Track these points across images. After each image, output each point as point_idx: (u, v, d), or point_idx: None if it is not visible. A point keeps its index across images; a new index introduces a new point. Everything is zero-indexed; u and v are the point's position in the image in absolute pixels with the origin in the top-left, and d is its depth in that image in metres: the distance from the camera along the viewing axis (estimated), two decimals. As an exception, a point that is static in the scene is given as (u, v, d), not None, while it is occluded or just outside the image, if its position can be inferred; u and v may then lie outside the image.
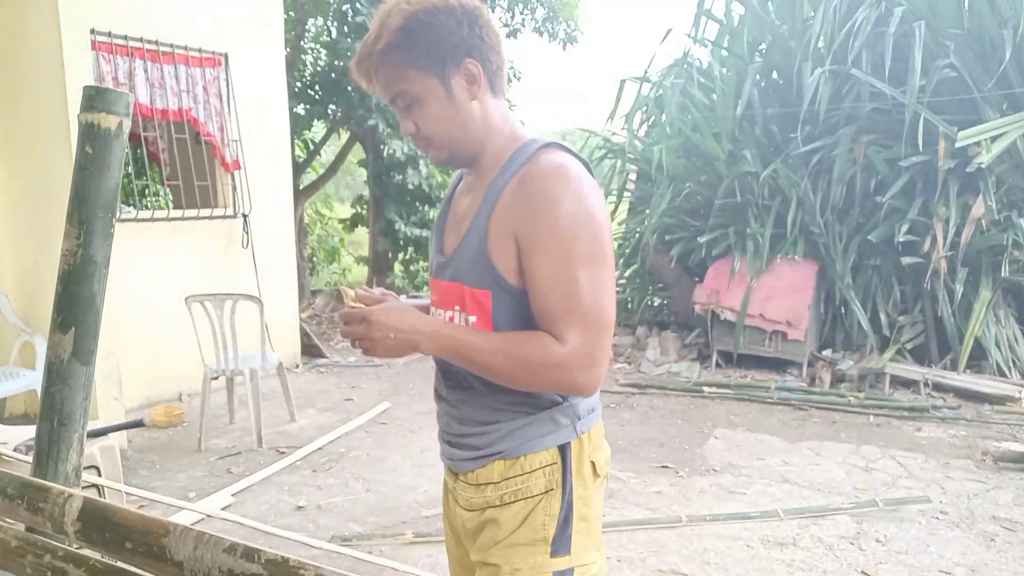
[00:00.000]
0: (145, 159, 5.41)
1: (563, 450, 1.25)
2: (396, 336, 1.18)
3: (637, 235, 7.23)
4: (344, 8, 7.95)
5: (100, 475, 2.77)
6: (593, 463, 1.28)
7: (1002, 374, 5.24)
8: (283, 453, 4.13)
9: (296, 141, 8.68)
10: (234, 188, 5.56)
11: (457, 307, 1.26)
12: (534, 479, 1.24)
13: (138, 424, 3.57)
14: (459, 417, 1.33)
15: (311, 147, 9.49)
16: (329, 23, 8.58)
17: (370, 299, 1.26)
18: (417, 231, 7.91)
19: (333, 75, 8.33)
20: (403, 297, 1.39)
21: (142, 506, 3.12)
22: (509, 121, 1.29)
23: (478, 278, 1.22)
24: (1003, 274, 5.27)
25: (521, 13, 8.99)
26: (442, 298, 1.30)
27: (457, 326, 1.23)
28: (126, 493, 2.65)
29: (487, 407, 1.27)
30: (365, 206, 9.04)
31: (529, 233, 1.17)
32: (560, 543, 1.24)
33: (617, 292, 7.41)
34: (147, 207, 5.09)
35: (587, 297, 1.16)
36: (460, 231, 1.28)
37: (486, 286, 1.21)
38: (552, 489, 1.24)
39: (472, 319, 1.24)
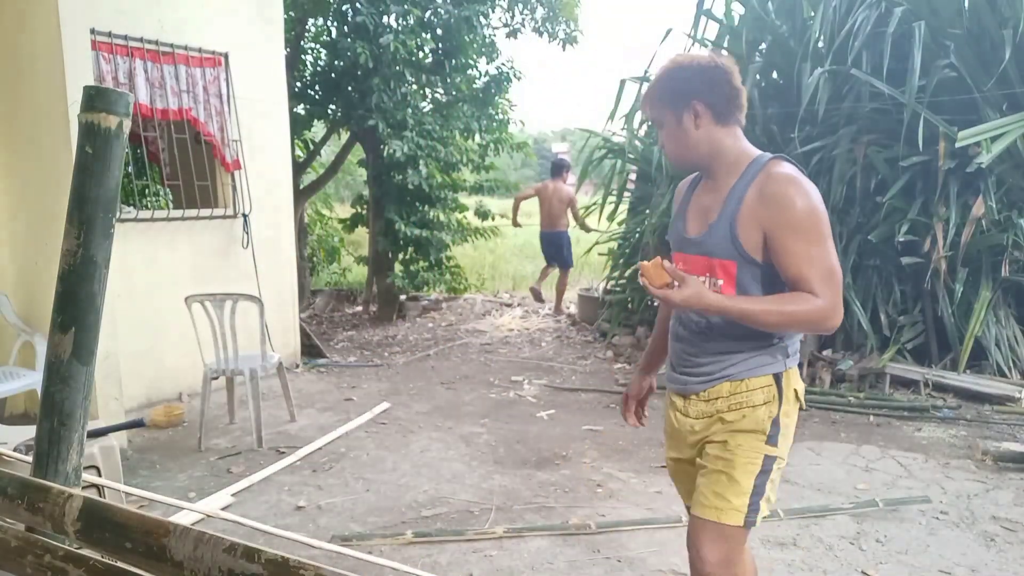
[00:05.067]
0: (145, 159, 5.41)
1: (776, 378, 1.78)
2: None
3: (637, 235, 7.23)
4: (344, 8, 7.94)
5: (100, 475, 2.77)
6: (796, 391, 1.81)
7: (1002, 374, 5.24)
8: (283, 453, 4.13)
9: (296, 141, 8.67)
10: (234, 188, 5.56)
11: (707, 274, 1.77)
12: (755, 395, 1.77)
13: (138, 424, 3.58)
14: (696, 352, 1.82)
15: (311, 147, 9.48)
16: (329, 23, 8.56)
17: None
18: (417, 231, 7.88)
19: (333, 75, 8.32)
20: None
21: (142, 506, 3.12)
22: (739, 140, 1.80)
23: (727, 252, 1.73)
24: (1003, 274, 5.26)
25: (521, 13, 8.97)
26: (690, 267, 1.78)
27: (733, 297, 1.71)
28: (126, 493, 2.65)
29: (721, 345, 1.78)
30: (365, 206, 9.02)
31: (775, 225, 1.66)
32: (772, 437, 1.78)
33: (617, 292, 7.47)
34: (147, 207, 5.09)
35: (826, 264, 1.65)
36: (707, 219, 1.79)
37: (732, 258, 1.72)
38: (769, 401, 1.77)
39: (719, 282, 1.75)
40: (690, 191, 1.93)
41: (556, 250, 8.57)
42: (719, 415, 1.79)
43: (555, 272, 8.77)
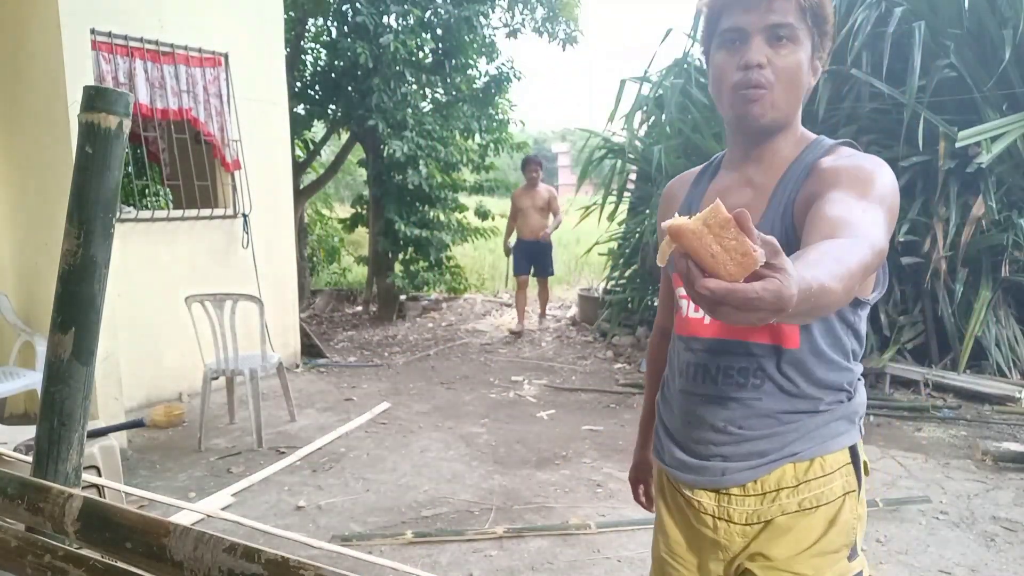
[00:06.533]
0: (145, 159, 5.41)
1: (853, 452, 1.23)
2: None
3: (637, 235, 7.23)
4: (344, 8, 7.94)
5: (100, 475, 2.77)
6: (865, 462, 1.26)
7: (1002, 374, 5.24)
8: (283, 453, 4.13)
9: (296, 141, 8.68)
10: (234, 188, 5.56)
11: None
12: (833, 484, 1.20)
13: (138, 424, 3.58)
14: (738, 416, 1.21)
15: (311, 147, 9.49)
16: (329, 23, 8.57)
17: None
18: (417, 231, 7.89)
19: (333, 75, 8.33)
20: None
21: (142, 506, 3.12)
22: None
23: None
24: (1003, 274, 5.26)
25: (521, 13, 8.98)
26: None
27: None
28: (126, 493, 2.65)
29: (782, 403, 1.19)
30: (365, 206, 9.04)
31: (828, 186, 1.11)
32: (854, 548, 1.22)
33: (617, 292, 7.46)
34: (147, 207, 5.09)
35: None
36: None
37: None
38: (852, 491, 1.21)
39: None
40: (706, 184, 1.35)
41: (544, 260, 7.76)
42: (783, 518, 1.20)
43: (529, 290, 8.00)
